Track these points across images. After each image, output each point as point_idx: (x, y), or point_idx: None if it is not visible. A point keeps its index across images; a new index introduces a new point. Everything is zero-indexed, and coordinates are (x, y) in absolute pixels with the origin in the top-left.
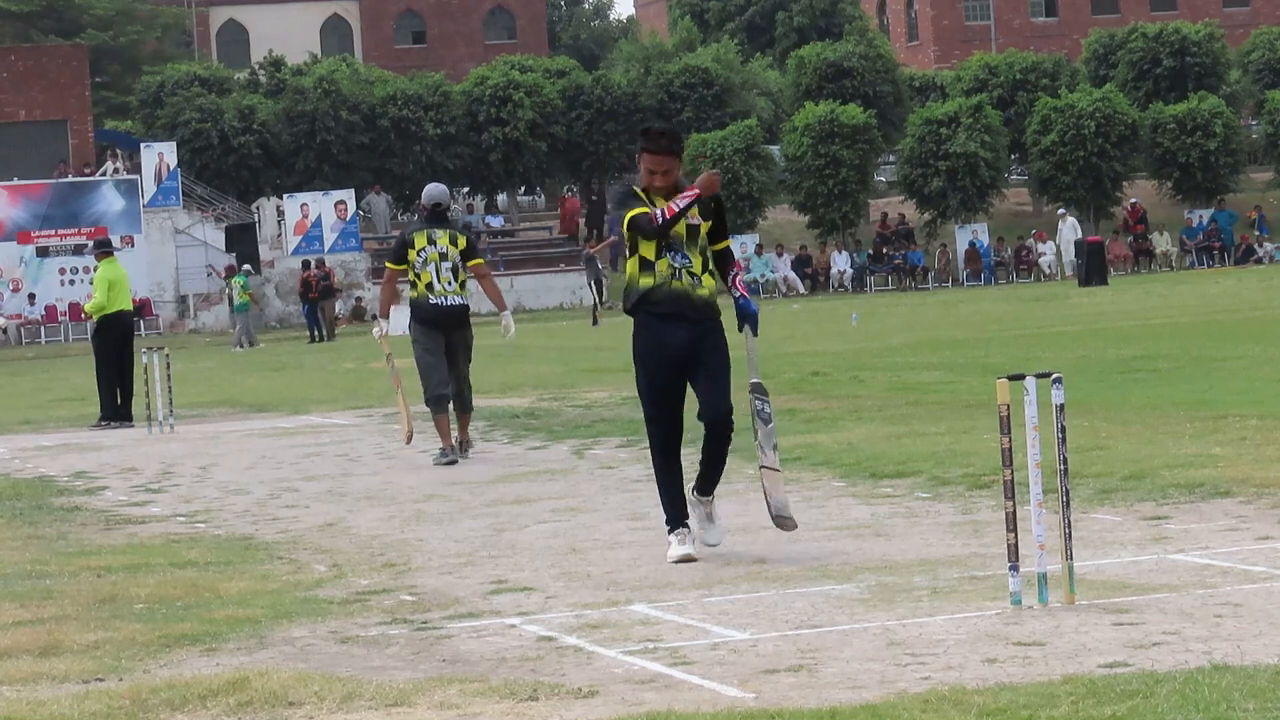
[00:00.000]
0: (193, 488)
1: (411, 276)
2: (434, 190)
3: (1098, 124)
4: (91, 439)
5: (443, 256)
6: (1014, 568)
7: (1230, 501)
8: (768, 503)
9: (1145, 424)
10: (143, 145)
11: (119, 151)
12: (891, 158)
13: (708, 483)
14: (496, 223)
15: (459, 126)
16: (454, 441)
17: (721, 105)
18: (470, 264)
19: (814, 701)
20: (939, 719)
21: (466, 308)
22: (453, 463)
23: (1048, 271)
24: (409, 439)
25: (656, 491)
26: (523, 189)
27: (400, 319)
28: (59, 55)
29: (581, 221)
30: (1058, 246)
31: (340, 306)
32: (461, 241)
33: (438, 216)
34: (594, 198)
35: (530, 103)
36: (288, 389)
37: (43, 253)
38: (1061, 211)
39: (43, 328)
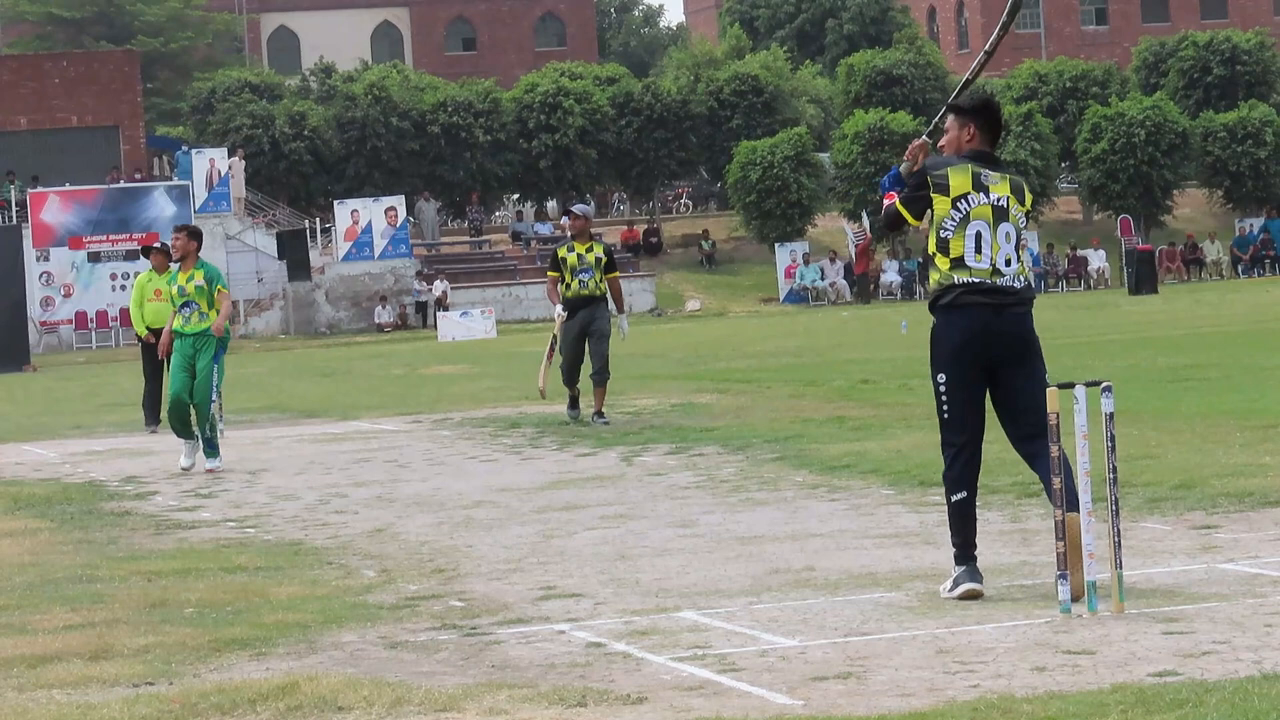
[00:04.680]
0: (242, 493)
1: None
2: (584, 208)
3: (1148, 132)
4: (142, 444)
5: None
6: (1063, 576)
7: None
8: None
9: (1195, 433)
10: (194, 151)
11: (165, 158)
12: None
13: None
14: (545, 230)
15: (509, 133)
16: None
17: (771, 113)
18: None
19: (863, 709)
20: None
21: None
22: (573, 419)
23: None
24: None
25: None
26: (572, 196)
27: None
28: (111, 61)
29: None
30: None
31: (385, 313)
32: (598, 249)
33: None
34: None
35: (580, 110)
36: (337, 395)
37: (94, 258)
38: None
39: (94, 333)
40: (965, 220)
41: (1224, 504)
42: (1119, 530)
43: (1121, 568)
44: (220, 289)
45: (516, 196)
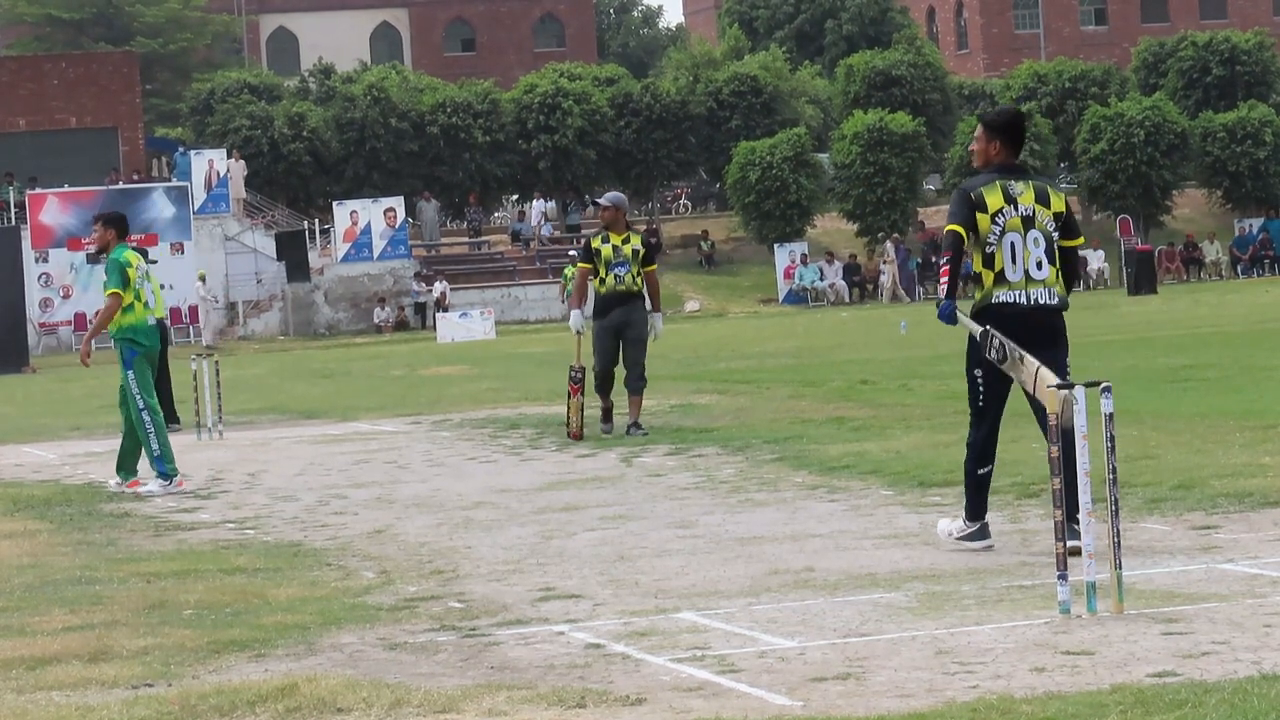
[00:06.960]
0: (242, 494)
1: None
2: (614, 197)
3: (1147, 133)
4: None
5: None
6: (1062, 577)
7: None
8: None
9: (1194, 433)
10: (193, 152)
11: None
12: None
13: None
14: (546, 231)
15: (508, 134)
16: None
17: (770, 113)
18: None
19: (862, 710)
20: None
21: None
22: (606, 432)
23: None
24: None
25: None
26: (571, 197)
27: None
28: (110, 62)
29: None
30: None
31: (383, 314)
32: (635, 240)
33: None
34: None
35: (579, 110)
36: (336, 396)
37: (93, 259)
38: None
39: None
40: (1003, 233)
41: (1224, 504)
42: (1118, 530)
43: (1121, 568)
44: (112, 292)
45: (516, 197)
